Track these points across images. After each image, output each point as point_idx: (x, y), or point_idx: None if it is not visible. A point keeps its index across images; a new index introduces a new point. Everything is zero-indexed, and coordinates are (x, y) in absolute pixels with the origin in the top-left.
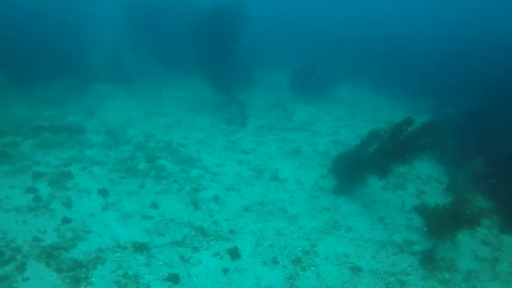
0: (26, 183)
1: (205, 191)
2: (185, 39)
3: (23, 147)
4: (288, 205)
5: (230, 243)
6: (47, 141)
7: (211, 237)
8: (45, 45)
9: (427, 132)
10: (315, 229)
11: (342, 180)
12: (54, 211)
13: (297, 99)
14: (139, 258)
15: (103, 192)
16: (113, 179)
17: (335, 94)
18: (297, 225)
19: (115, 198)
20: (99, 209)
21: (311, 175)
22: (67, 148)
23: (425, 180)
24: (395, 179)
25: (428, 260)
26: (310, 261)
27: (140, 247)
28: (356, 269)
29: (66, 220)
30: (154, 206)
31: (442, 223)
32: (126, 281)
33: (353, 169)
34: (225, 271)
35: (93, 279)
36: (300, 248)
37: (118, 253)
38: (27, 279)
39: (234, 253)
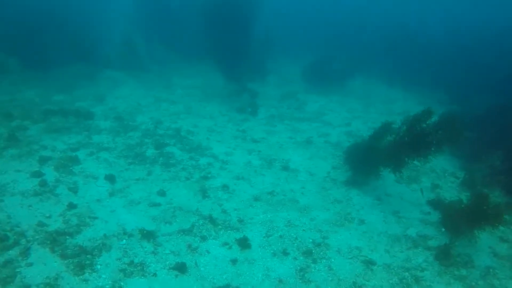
0: (32, 167)
1: (214, 180)
2: (197, 27)
3: (31, 131)
4: (299, 195)
5: (239, 233)
6: (55, 125)
7: (219, 227)
8: (58, 31)
9: (447, 126)
10: (327, 221)
11: (354, 172)
12: (59, 196)
13: (309, 90)
14: (145, 246)
15: (110, 178)
16: (120, 165)
17: (347, 86)
18: (308, 217)
19: (122, 185)
20: (106, 195)
21: (323, 166)
22: (75, 133)
23: (440, 174)
24: (409, 172)
25: (444, 256)
26: (321, 253)
27: (147, 235)
28: (369, 263)
29: (71, 206)
30: (162, 193)
31: (461, 219)
32: (132, 269)
33: (367, 161)
34: (234, 261)
35: (98, 266)
36: (311, 240)
37: (124, 240)
38: (31, 264)
39: (243, 243)
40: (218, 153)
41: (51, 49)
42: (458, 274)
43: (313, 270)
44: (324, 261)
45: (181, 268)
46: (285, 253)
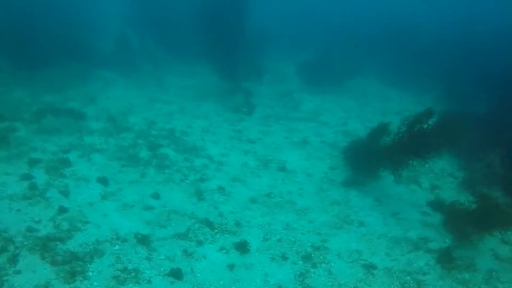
0: (22, 169)
1: (209, 182)
2: (191, 26)
3: (21, 132)
4: (297, 197)
5: (236, 237)
6: (45, 127)
7: (216, 230)
8: (49, 30)
9: (448, 128)
10: (326, 224)
11: (352, 173)
12: (50, 200)
13: (304, 89)
14: (139, 251)
15: (103, 181)
16: (113, 167)
17: (343, 85)
18: (306, 219)
19: (115, 187)
20: (98, 198)
21: (320, 166)
22: (66, 134)
23: (438, 174)
24: (408, 173)
25: (446, 259)
26: (321, 257)
27: (141, 240)
28: (370, 267)
29: (62, 210)
30: (156, 196)
31: (467, 223)
32: (125, 276)
33: (366, 161)
34: (231, 266)
35: (90, 273)
36: (310, 244)
37: (117, 246)
38: (19, 272)
39: (241, 248)
40: (214, 154)
41: (42, 48)
42: (461, 277)
43: (312, 275)
44: (324, 265)
45: (176, 274)
46: (284, 257)
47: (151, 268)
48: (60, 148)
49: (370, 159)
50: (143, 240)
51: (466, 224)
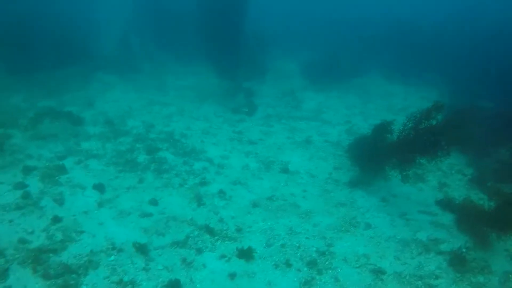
0: (16, 178)
1: (209, 186)
2: (190, 26)
3: (16, 139)
4: (300, 200)
5: (237, 244)
6: (41, 132)
7: (216, 237)
8: (47, 33)
9: (457, 125)
10: (331, 227)
11: (357, 172)
12: (44, 209)
13: (307, 87)
14: (136, 261)
15: (99, 187)
16: (110, 173)
17: (346, 82)
18: (311, 222)
19: (112, 194)
20: (94, 206)
21: (324, 166)
22: (62, 140)
23: (446, 172)
24: (415, 170)
25: (458, 261)
26: (327, 263)
27: (138, 249)
28: (378, 272)
29: (56, 219)
30: (154, 202)
31: (483, 223)
32: None
33: (370, 160)
34: (233, 275)
35: (84, 287)
36: (315, 249)
37: (113, 256)
38: (9, 287)
39: (242, 255)
40: (214, 157)
41: (39, 52)
42: (476, 281)
43: (318, 282)
44: (330, 271)
45: (175, 285)
46: (287, 264)
47: (148, 279)
48: (56, 154)
49: (375, 157)
50: (140, 249)
51: (481, 223)
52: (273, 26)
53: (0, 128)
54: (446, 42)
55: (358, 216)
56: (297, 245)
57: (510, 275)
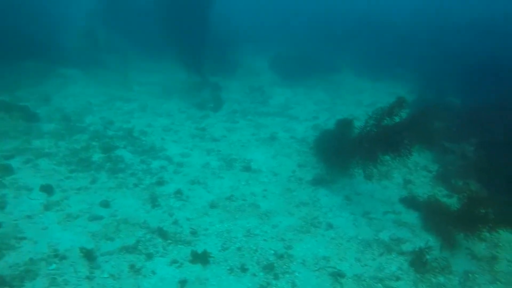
0: None
1: (166, 185)
2: (157, 20)
3: None
4: (261, 199)
5: (191, 248)
6: None
7: (169, 241)
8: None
9: (419, 124)
10: (291, 228)
11: (322, 170)
12: None
13: (276, 83)
14: (79, 269)
15: (47, 189)
16: (61, 173)
17: (315, 77)
18: (270, 223)
19: (60, 196)
20: (39, 209)
21: (288, 164)
22: (12, 138)
23: (412, 168)
24: (380, 168)
25: (419, 262)
26: (284, 267)
27: (83, 256)
28: (337, 275)
29: None
30: (105, 204)
31: (449, 223)
32: None
33: (335, 156)
34: (183, 282)
35: None
36: (273, 252)
37: (54, 265)
38: None
39: (196, 260)
40: (173, 155)
41: None
42: (436, 282)
43: (274, 287)
44: (288, 276)
45: None
46: (243, 269)
47: None
48: (3, 154)
49: (339, 154)
50: (86, 255)
51: (445, 222)
52: (245, 21)
53: None
54: (417, 37)
55: (320, 216)
56: (254, 248)
57: (470, 275)
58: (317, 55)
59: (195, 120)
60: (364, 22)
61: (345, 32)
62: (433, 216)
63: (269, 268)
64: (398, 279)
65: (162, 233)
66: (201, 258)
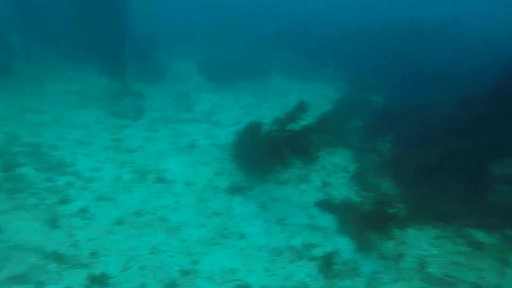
0: None
1: (70, 204)
2: (71, 22)
3: None
4: (171, 212)
5: (88, 271)
6: None
7: (65, 265)
8: None
9: (324, 127)
10: (201, 241)
11: (240, 177)
12: None
13: (203, 88)
14: None
15: None
16: None
17: (242, 81)
18: (179, 238)
19: None
20: None
21: (205, 173)
22: None
23: (331, 170)
24: (298, 171)
25: (329, 266)
26: (188, 283)
27: None
28: None
29: None
30: None
31: (362, 223)
32: None
33: (251, 162)
34: None
35: None
36: (178, 268)
37: None
38: None
39: (93, 284)
40: (83, 170)
41: None
42: (343, 285)
43: None
44: None
45: None
46: None
47: None
48: None
49: (254, 159)
50: None
51: (358, 223)
52: (173, 24)
53: None
54: (345, 37)
55: (232, 226)
56: (159, 265)
57: (377, 275)
58: (246, 57)
59: (112, 131)
60: (293, 23)
61: (274, 34)
62: (348, 218)
63: (171, 286)
64: (306, 286)
65: (58, 257)
66: (99, 280)
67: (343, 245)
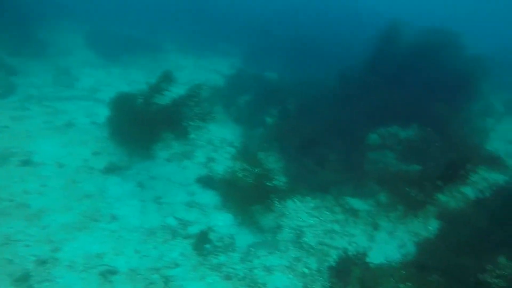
0: None
1: None
2: None
3: None
4: (35, 197)
5: None
6: None
7: None
8: None
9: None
10: (66, 226)
11: (119, 155)
12: None
13: (89, 62)
14: None
15: None
16: None
17: (134, 56)
18: (40, 225)
19: None
20: None
21: (80, 153)
22: None
23: (217, 145)
24: (182, 147)
25: (202, 244)
26: (44, 274)
27: None
28: (108, 273)
29: None
30: None
31: (241, 198)
32: None
33: (129, 139)
34: None
35: None
36: (34, 258)
37: None
38: None
39: None
40: None
41: None
42: (216, 262)
43: None
44: (46, 284)
45: None
46: None
47: None
48: None
49: (135, 136)
50: None
51: (241, 197)
52: None
53: None
54: (242, 11)
55: (104, 207)
56: (10, 257)
57: (252, 249)
58: (139, 31)
59: None
60: None
61: (170, 7)
62: (229, 193)
63: (22, 279)
64: (176, 265)
65: None
66: None
67: (221, 221)
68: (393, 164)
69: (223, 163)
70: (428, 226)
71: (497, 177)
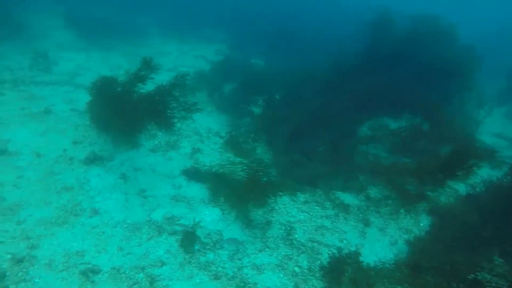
0: None
1: None
2: None
3: None
4: (10, 190)
5: None
6: None
7: None
8: None
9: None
10: (44, 221)
11: (101, 145)
12: None
13: (68, 45)
14: None
15: None
16: None
17: (116, 40)
18: (15, 220)
19: None
20: None
21: (59, 142)
22: None
23: (203, 136)
24: (168, 137)
25: (190, 240)
26: (20, 273)
27: None
28: (90, 272)
29: None
30: None
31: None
32: None
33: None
34: None
35: None
36: (10, 256)
37: None
38: None
39: None
40: None
41: None
42: (204, 260)
43: None
44: (23, 285)
45: None
46: None
47: None
48: None
49: (117, 125)
50: None
51: (227, 192)
52: None
53: None
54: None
55: (85, 201)
56: None
57: (241, 246)
58: (122, 14)
59: None
60: None
61: None
62: (216, 186)
63: None
64: (163, 264)
65: None
66: None
67: (209, 216)
68: (383, 156)
69: (210, 155)
70: (420, 223)
71: (489, 172)
